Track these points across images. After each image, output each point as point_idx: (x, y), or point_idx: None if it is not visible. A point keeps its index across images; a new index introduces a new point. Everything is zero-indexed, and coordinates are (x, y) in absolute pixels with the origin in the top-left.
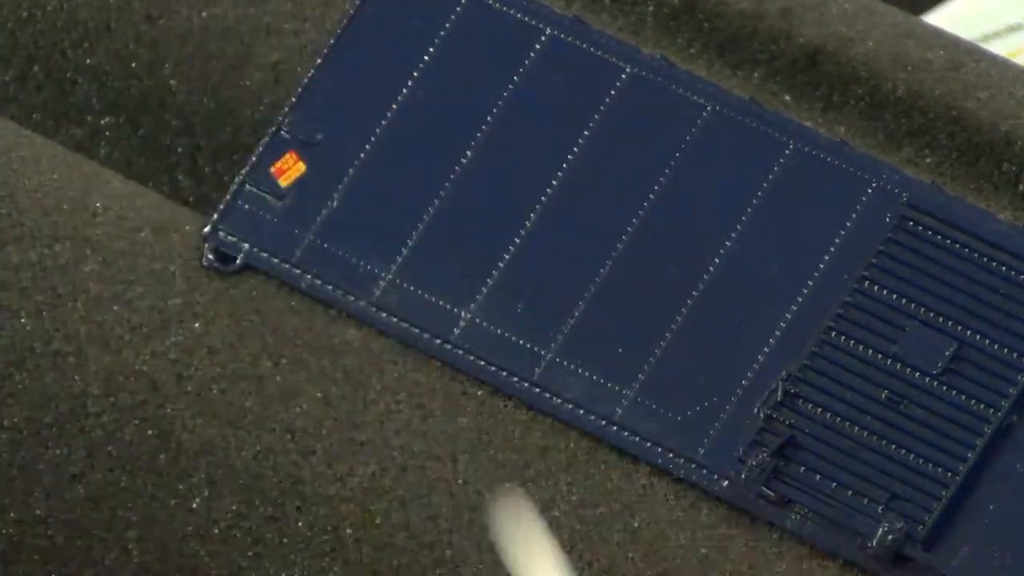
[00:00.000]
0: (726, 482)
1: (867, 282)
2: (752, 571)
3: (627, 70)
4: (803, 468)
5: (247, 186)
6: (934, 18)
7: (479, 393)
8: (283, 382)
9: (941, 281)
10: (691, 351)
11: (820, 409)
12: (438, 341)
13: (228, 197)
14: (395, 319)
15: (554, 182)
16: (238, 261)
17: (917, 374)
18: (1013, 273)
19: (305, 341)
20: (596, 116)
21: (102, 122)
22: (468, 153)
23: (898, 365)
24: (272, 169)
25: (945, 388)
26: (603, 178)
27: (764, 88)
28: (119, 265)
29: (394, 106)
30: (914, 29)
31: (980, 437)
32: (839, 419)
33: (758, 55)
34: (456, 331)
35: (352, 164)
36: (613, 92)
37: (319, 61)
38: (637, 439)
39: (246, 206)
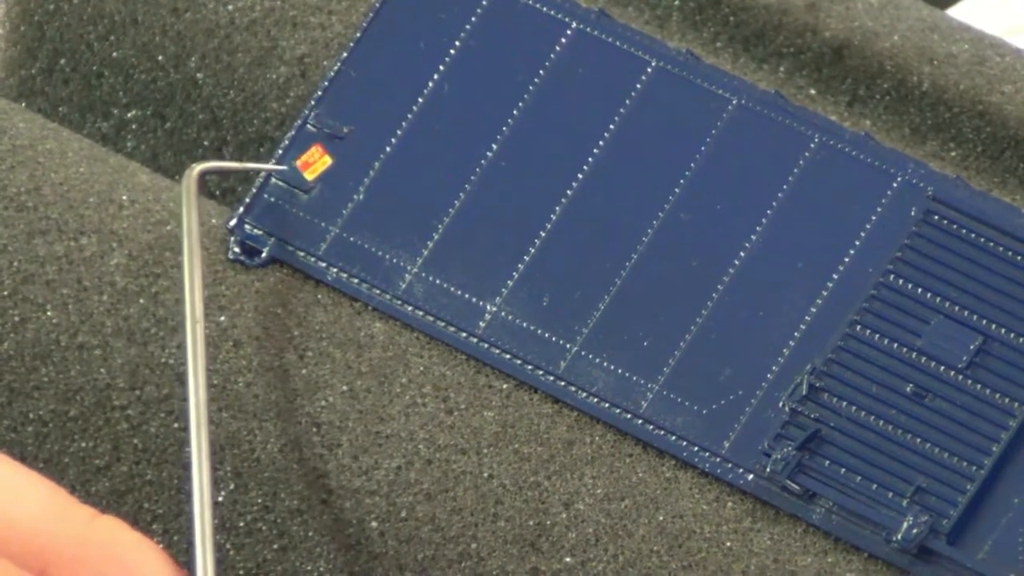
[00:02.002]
0: (751, 476)
1: (892, 276)
2: (777, 564)
3: (652, 64)
4: (828, 462)
5: (273, 179)
6: (959, 12)
7: (504, 386)
8: (309, 375)
9: (966, 275)
10: (716, 345)
11: (845, 403)
12: (464, 334)
13: (254, 190)
14: (421, 312)
15: (579, 176)
16: (264, 254)
17: (942, 368)
18: None
19: (331, 334)
20: (621, 110)
21: (128, 115)
22: (494, 146)
23: (923, 359)
24: (298, 162)
25: (970, 382)
26: (628, 172)
27: (790, 82)
28: (145, 258)
29: (420, 100)
30: (939, 23)
31: (1005, 431)
32: (864, 413)
33: (784, 49)
34: (482, 324)
35: (378, 157)
36: (638, 86)
37: (345, 54)
38: (662, 432)
39: (272, 199)
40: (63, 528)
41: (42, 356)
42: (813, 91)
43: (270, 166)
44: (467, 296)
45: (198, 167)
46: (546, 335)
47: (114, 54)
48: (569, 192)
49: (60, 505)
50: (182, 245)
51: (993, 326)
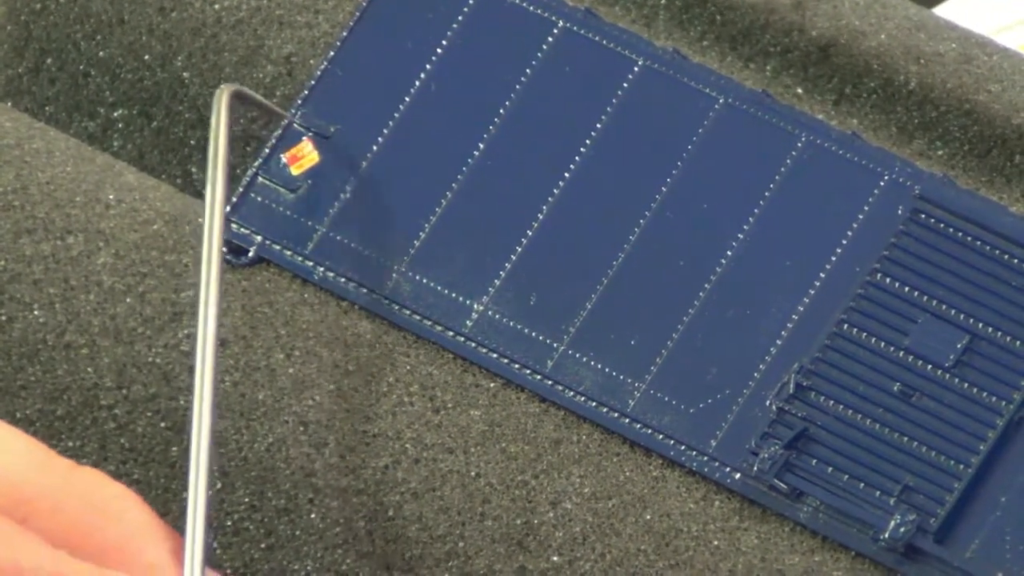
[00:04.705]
0: (738, 474)
1: (879, 275)
2: (764, 563)
3: (639, 63)
4: (815, 460)
5: (260, 178)
6: (946, 11)
7: (491, 385)
8: (296, 374)
9: (953, 274)
10: (703, 343)
11: (832, 402)
12: (451, 333)
13: (241, 189)
14: (408, 311)
15: (566, 175)
16: (251, 253)
17: (929, 367)
18: None
19: (318, 333)
20: (608, 109)
21: (115, 114)
22: (481, 145)
23: (910, 358)
24: (286, 155)
25: (957, 381)
26: (615, 171)
27: (776, 81)
28: (132, 257)
29: (407, 98)
30: (926, 22)
31: (992, 430)
32: (851, 411)
33: (770, 48)
34: (469, 323)
35: (365, 156)
36: (625, 85)
37: (332, 53)
38: (649, 431)
39: (259, 198)
40: (44, 478)
41: (29, 355)
42: (800, 90)
43: (287, 114)
44: (454, 295)
45: (231, 87)
46: (533, 334)
47: (100, 53)
48: (556, 191)
49: (40, 457)
50: (208, 160)
51: (980, 325)
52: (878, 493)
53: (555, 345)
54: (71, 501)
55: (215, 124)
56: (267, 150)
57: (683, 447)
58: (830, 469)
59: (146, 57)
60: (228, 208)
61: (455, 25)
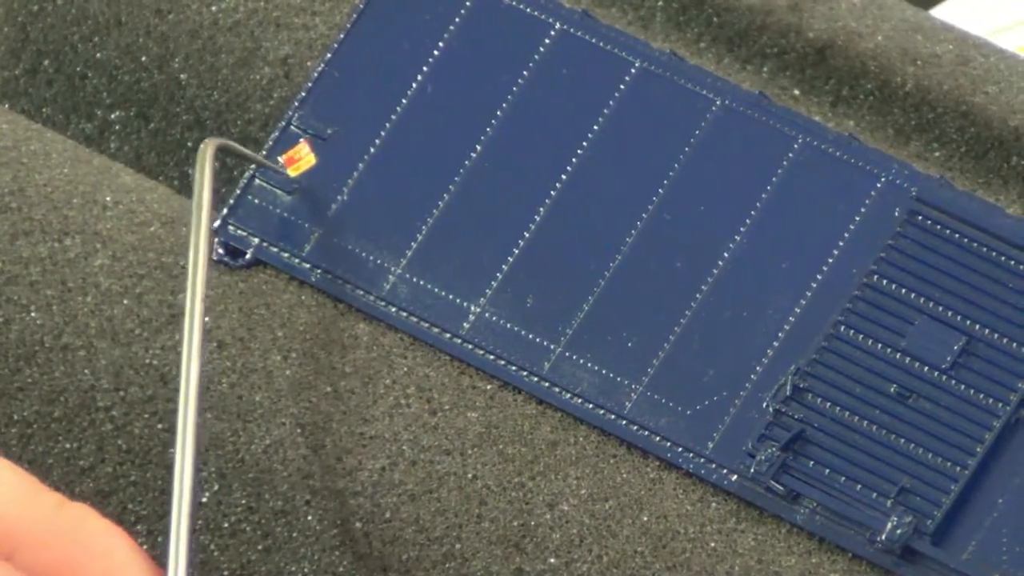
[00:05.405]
0: (735, 476)
1: (876, 276)
2: (761, 565)
3: (636, 64)
4: (812, 462)
5: (257, 180)
6: (943, 12)
7: (488, 387)
8: (293, 376)
9: (950, 275)
10: (700, 345)
11: (829, 403)
12: (448, 335)
13: (238, 191)
14: (405, 313)
15: (563, 176)
16: (248, 255)
17: (926, 368)
18: (1022, 267)
19: (315, 335)
20: (605, 110)
21: (112, 116)
22: (478, 147)
23: (907, 359)
24: (283, 158)
25: (954, 382)
26: (612, 173)
27: (773, 83)
28: (129, 259)
29: (404, 100)
30: (923, 23)
31: (989, 431)
32: (848, 413)
33: (767, 50)
34: (466, 325)
35: (362, 158)
36: (622, 86)
37: (329, 55)
38: (646, 433)
39: (255, 200)
40: (31, 513)
41: (26, 357)
42: (797, 92)
43: (275, 165)
44: (451, 297)
45: (215, 141)
46: (530, 336)
47: (98, 55)
48: (553, 192)
49: (28, 490)
50: (192, 218)
51: (977, 326)
52: (875, 495)
53: (552, 347)
54: (58, 537)
55: (199, 179)
56: (264, 153)
57: (680, 449)
58: (827, 471)
59: (143, 59)
60: (224, 213)
61: (452, 27)
